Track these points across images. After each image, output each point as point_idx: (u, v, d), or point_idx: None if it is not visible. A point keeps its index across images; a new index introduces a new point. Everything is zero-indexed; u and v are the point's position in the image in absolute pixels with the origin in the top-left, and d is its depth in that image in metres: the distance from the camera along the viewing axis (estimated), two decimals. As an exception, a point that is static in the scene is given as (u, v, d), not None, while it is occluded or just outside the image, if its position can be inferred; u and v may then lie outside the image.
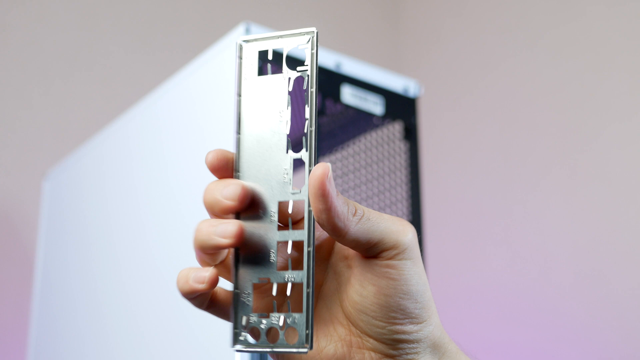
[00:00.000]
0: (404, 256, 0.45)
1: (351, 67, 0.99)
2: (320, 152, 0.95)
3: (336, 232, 0.44)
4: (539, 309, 1.70)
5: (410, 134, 1.01)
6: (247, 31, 0.91)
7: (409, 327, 0.45)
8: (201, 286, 0.44)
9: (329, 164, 0.44)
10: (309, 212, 0.45)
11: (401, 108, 1.02)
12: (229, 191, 0.44)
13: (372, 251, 0.45)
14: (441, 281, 1.83)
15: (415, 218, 1.00)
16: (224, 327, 0.83)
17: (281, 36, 0.47)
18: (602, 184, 1.66)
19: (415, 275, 0.45)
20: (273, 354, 0.45)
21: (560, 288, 1.68)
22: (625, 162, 1.63)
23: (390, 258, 0.44)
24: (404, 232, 0.45)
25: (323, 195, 0.43)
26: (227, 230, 0.44)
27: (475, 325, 1.79)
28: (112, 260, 1.12)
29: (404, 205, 0.99)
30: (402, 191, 0.99)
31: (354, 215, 0.44)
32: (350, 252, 0.47)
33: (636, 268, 1.57)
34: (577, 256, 1.66)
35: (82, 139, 1.51)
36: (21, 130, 1.59)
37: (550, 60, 1.83)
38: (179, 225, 0.96)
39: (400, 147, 1.01)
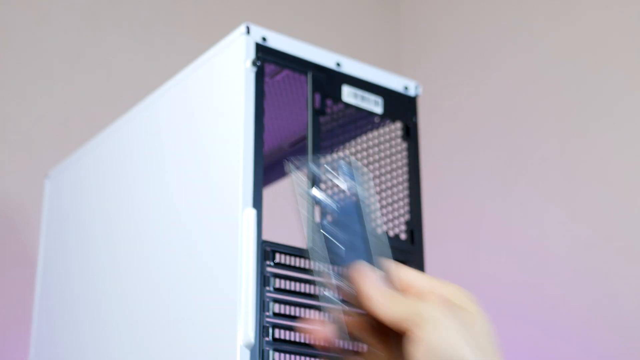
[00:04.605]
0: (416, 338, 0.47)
1: (351, 67, 0.99)
2: (320, 153, 0.95)
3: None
4: (539, 309, 1.71)
5: (410, 134, 1.02)
6: (248, 31, 0.91)
7: None
8: None
9: (378, 274, 0.49)
10: None
11: (401, 108, 1.02)
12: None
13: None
14: (441, 281, 1.83)
15: (415, 218, 1.00)
16: (224, 329, 0.83)
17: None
18: (603, 184, 1.66)
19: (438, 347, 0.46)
20: None
21: (561, 288, 1.68)
22: (627, 162, 1.64)
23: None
24: (413, 321, 0.47)
25: (367, 299, 0.48)
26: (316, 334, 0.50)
27: (475, 324, 1.79)
28: (112, 260, 1.13)
29: (404, 204, 0.99)
30: (402, 191, 1.00)
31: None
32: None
33: (637, 268, 1.57)
34: (577, 256, 1.67)
35: (85, 139, 1.51)
36: (23, 130, 1.60)
37: (551, 60, 1.83)
38: (180, 225, 0.97)
39: (400, 146, 1.01)
